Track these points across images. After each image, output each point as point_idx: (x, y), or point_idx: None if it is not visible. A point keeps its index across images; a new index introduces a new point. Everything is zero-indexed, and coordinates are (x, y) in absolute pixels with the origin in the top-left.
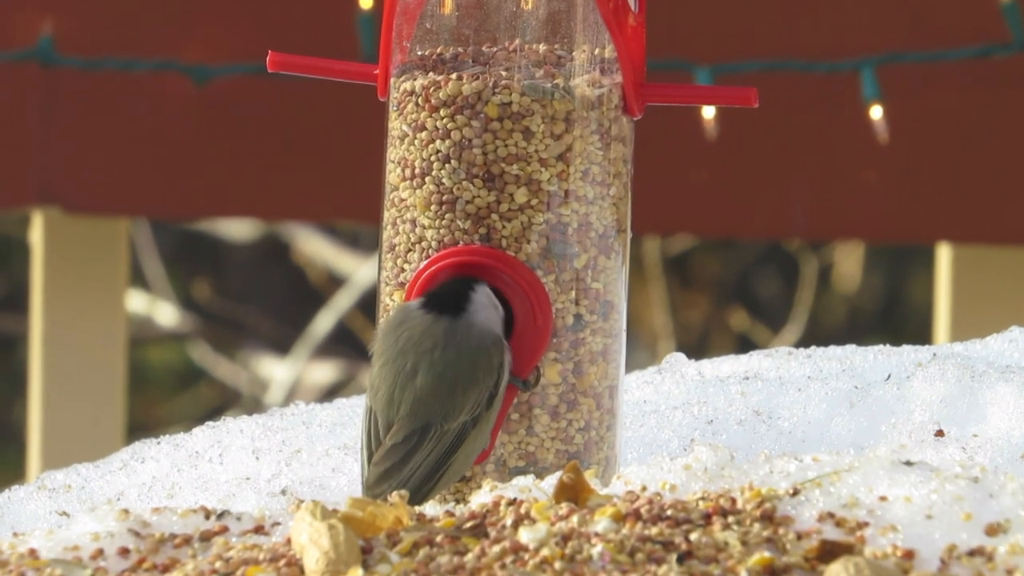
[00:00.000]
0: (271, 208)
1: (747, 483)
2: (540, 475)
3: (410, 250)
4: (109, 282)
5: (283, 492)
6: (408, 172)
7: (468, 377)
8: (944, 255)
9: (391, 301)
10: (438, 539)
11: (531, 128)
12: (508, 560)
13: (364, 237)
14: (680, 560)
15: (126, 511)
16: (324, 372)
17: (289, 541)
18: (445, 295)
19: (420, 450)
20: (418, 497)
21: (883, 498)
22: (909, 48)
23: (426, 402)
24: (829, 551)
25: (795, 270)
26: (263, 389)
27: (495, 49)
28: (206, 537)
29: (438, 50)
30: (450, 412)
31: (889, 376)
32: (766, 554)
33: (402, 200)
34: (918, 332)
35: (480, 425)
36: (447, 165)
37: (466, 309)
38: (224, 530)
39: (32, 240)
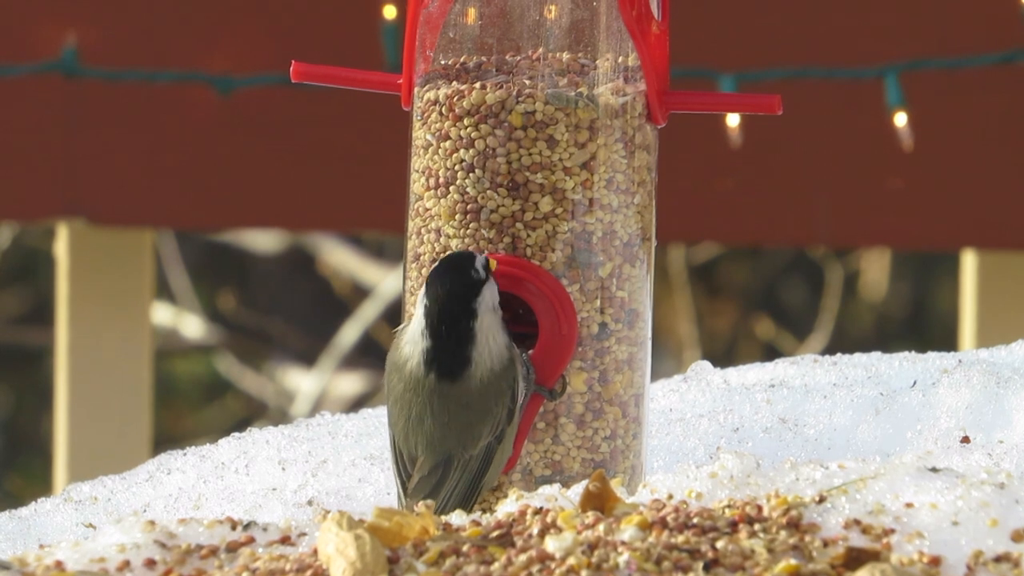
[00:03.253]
0: (296, 218)
1: (773, 491)
2: (566, 484)
3: (435, 260)
4: (134, 294)
5: (309, 503)
6: (432, 181)
7: (479, 415)
8: (969, 262)
9: (416, 312)
10: (464, 548)
11: (555, 137)
12: (535, 569)
13: (389, 247)
14: (707, 568)
15: (152, 522)
16: (350, 383)
17: (315, 552)
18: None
19: (449, 479)
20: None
21: (909, 505)
22: (932, 55)
23: (441, 441)
24: (855, 558)
25: (821, 278)
26: (289, 400)
27: (519, 58)
28: (232, 548)
29: (461, 59)
30: (468, 443)
31: (915, 383)
32: (792, 561)
33: (427, 210)
34: (944, 339)
35: (505, 440)
36: (471, 174)
37: (467, 369)
38: (250, 541)
39: (57, 252)
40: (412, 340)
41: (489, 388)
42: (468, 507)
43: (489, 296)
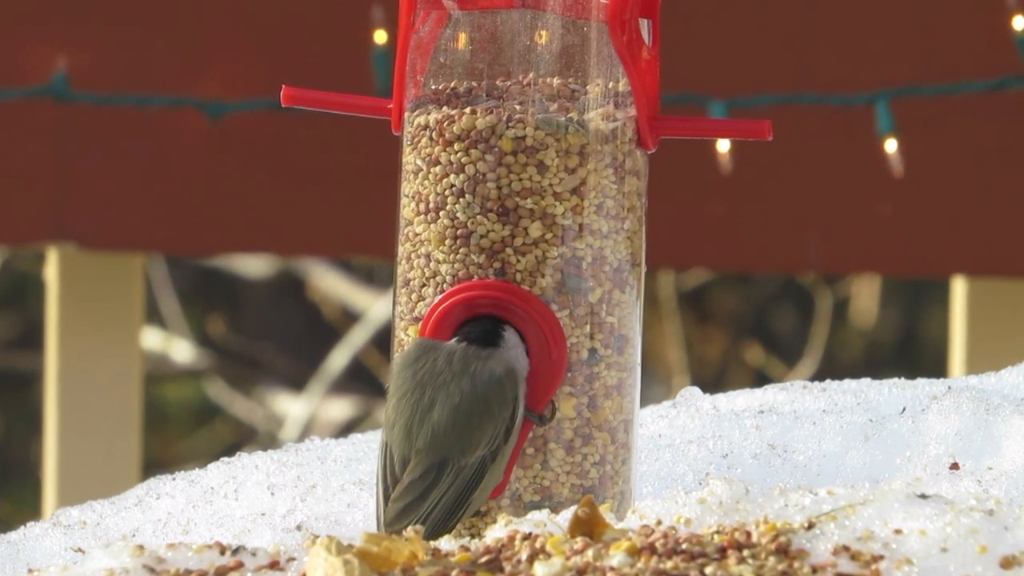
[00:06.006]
0: (286, 243)
1: (762, 517)
2: (555, 509)
3: (425, 285)
4: (124, 319)
5: (298, 528)
6: (422, 206)
7: (483, 409)
8: (959, 288)
9: (406, 336)
10: (453, 574)
11: (545, 162)
12: None
13: (379, 272)
14: None
15: (141, 547)
16: (339, 408)
17: None
18: (480, 331)
19: (439, 485)
20: (441, 534)
21: (898, 531)
22: (923, 81)
23: (443, 436)
24: None
25: (811, 304)
26: (278, 425)
27: (509, 83)
28: (221, 573)
29: (452, 84)
30: (467, 446)
31: (904, 409)
32: None
33: (417, 235)
34: (934, 366)
35: (498, 459)
36: (461, 199)
37: (499, 342)
38: (239, 566)
39: (47, 277)
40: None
41: (493, 383)
42: (451, 525)
43: (514, 334)
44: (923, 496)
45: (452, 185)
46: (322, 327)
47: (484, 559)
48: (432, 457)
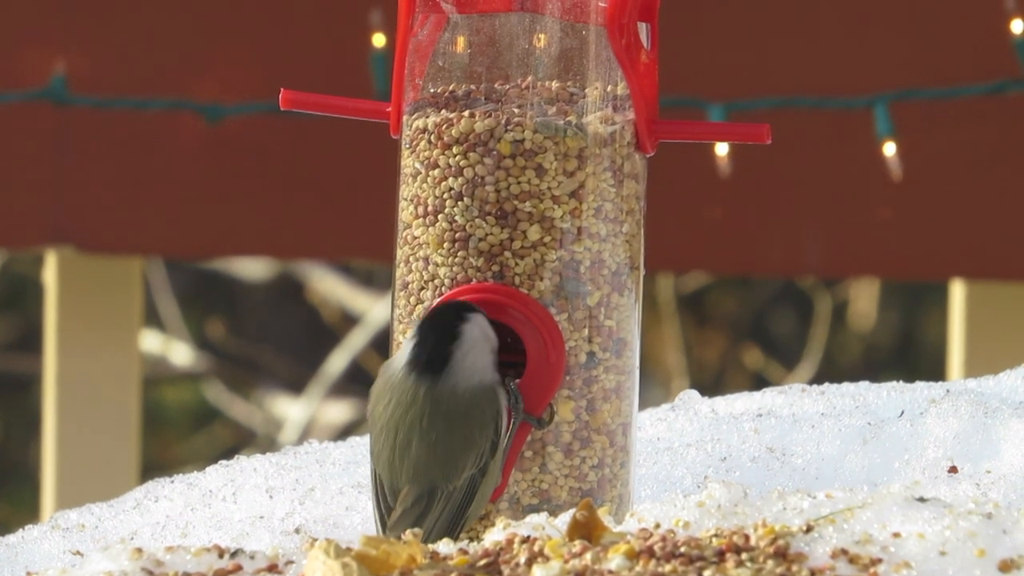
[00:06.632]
0: (285, 247)
1: (760, 520)
2: (554, 512)
3: (423, 288)
4: (123, 321)
5: (297, 531)
6: (421, 210)
7: (462, 442)
8: (958, 292)
9: (404, 339)
10: None
11: (544, 165)
12: None
13: (378, 275)
14: None
15: (139, 550)
16: (338, 411)
17: None
18: (431, 347)
19: (431, 512)
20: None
21: (896, 534)
22: (922, 84)
23: (426, 469)
24: None
25: (809, 308)
26: (277, 428)
27: (507, 86)
28: None
29: (450, 87)
30: (452, 474)
31: (902, 413)
32: None
33: (415, 238)
34: (932, 369)
35: (488, 473)
36: (460, 203)
37: (449, 363)
38: (238, 569)
39: (46, 280)
40: (400, 354)
41: (472, 412)
42: (452, 538)
43: (480, 322)
44: (921, 499)
45: (451, 188)
46: (321, 330)
47: (482, 562)
48: (420, 487)
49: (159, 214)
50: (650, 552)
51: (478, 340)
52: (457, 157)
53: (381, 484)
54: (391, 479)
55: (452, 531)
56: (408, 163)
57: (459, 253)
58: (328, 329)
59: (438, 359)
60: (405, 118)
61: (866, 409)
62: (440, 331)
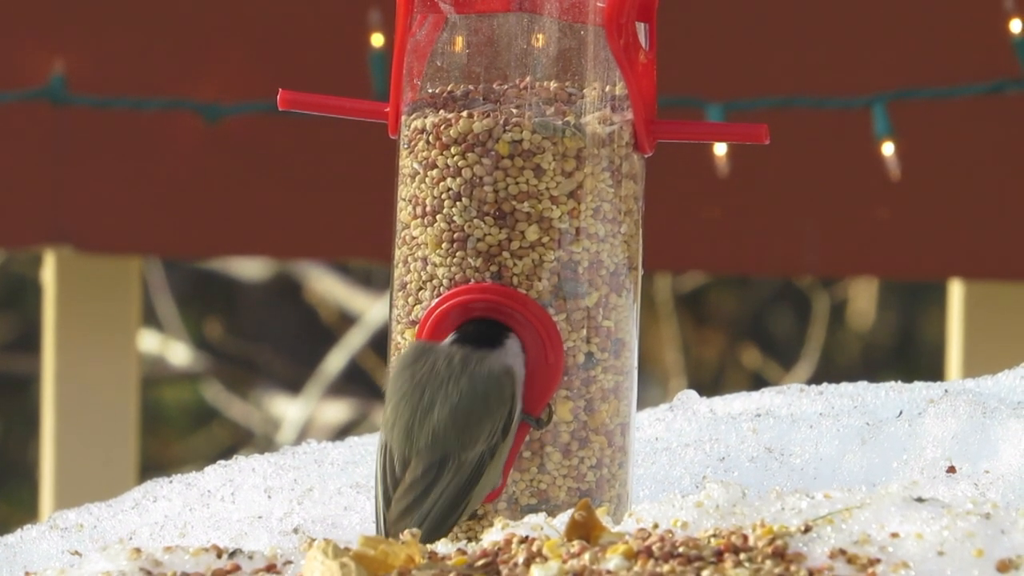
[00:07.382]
0: (283, 246)
1: (759, 520)
2: (552, 513)
3: (421, 288)
4: (121, 321)
5: (295, 531)
6: (419, 210)
7: (482, 406)
8: (956, 291)
9: (403, 339)
10: None
11: (542, 165)
12: None
13: (376, 275)
14: None
15: (138, 550)
16: (336, 411)
17: None
18: (478, 331)
19: (439, 482)
20: (441, 532)
21: (895, 535)
22: (920, 84)
23: (444, 433)
24: None
25: (808, 307)
26: (275, 428)
27: (506, 87)
28: None
29: (449, 88)
30: (467, 442)
31: (901, 413)
32: None
33: (413, 238)
34: (931, 369)
35: (496, 457)
36: (458, 203)
37: (495, 346)
38: (236, 569)
39: (44, 279)
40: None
41: (492, 380)
42: (450, 523)
43: (516, 342)
44: (920, 500)
45: (449, 189)
46: (319, 330)
47: (481, 563)
48: (432, 455)
49: (157, 214)
50: (648, 552)
51: (518, 353)
52: (455, 157)
53: (391, 457)
54: (404, 447)
55: (453, 511)
56: (406, 163)
57: (457, 253)
58: (326, 329)
59: (487, 339)
60: (403, 118)
61: (864, 409)
62: (492, 324)
